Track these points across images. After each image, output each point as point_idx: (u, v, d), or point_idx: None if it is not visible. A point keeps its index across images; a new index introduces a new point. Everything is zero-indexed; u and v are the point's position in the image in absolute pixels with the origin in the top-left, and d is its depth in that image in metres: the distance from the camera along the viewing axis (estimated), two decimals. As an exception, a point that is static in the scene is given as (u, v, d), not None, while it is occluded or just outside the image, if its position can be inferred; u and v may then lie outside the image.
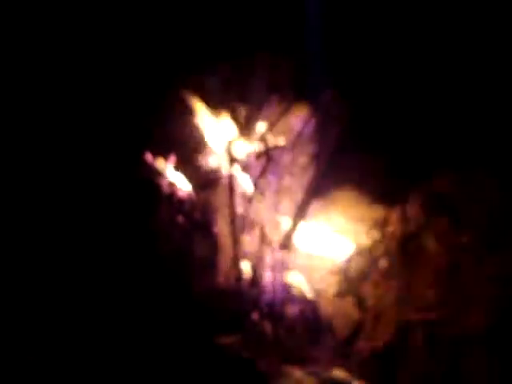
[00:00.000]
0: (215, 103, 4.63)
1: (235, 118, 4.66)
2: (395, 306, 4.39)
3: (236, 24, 4.80)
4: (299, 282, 4.59)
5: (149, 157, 4.64)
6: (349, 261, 4.54)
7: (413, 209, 4.42)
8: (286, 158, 4.75)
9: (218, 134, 4.63)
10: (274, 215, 4.72)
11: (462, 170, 4.38)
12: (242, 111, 4.66)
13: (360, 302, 4.48)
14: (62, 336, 4.29)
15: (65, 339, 4.27)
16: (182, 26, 4.83)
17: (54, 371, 4.12)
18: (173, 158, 4.63)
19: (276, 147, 4.70)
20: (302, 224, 4.68)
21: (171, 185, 4.64)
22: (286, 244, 4.68)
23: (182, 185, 4.65)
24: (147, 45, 4.80)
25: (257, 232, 4.70)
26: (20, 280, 4.43)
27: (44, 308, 4.39)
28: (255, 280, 4.61)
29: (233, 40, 4.77)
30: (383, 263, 4.50)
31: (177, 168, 4.64)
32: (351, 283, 4.52)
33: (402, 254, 4.43)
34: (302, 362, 4.33)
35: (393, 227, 4.48)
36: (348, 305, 4.49)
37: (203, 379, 4.14)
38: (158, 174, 4.62)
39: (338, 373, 4.28)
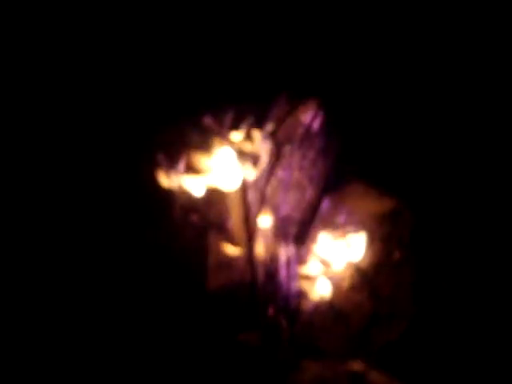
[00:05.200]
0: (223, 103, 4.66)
1: (244, 117, 4.69)
2: (410, 296, 4.45)
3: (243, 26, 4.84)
4: (313, 275, 4.65)
5: (161, 158, 4.67)
6: (362, 253, 4.59)
7: (423, 200, 4.47)
8: (296, 154, 4.79)
9: (229, 133, 4.66)
10: (286, 210, 4.78)
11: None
12: (250, 110, 4.69)
13: (374, 294, 4.53)
14: (72, 338, 4.35)
15: (72, 342, 4.34)
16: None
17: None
18: (185, 158, 4.67)
19: (285, 143, 4.75)
20: (313, 218, 4.74)
21: (184, 184, 4.69)
22: (299, 239, 4.74)
23: (195, 184, 4.70)
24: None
25: (270, 227, 4.75)
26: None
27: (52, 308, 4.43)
28: (270, 275, 4.67)
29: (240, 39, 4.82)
30: (396, 255, 4.55)
31: (189, 168, 4.68)
32: (365, 276, 4.57)
33: (414, 245, 4.49)
34: (318, 355, 4.41)
35: (404, 219, 4.53)
36: (363, 297, 4.54)
37: (223, 376, 4.22)
38: (171, 174, 4.67)
39: (355, 364, 4.35)
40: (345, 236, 4.64)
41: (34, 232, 4.56)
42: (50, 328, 4.34)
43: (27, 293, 4.42)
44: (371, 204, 4.63)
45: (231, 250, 4.70)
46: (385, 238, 4.54)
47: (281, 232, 4.76)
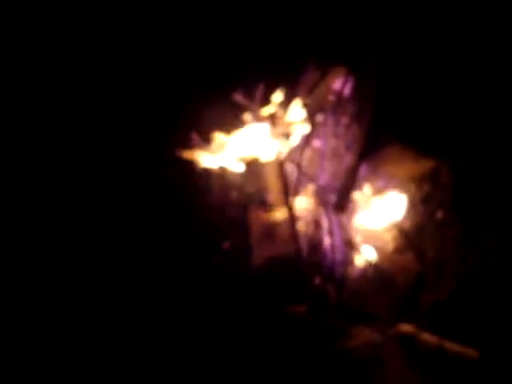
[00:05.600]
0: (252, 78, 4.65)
1: (274, 90, 4.67)
2: (455, 256, 4.41)
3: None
4: (357, 242, 4.65)
5: (195, 137, 4.69)
6: (404, 216, 4.56)
7: (463, 159, 4.40)
8: (329, 121, 4.76)
9: (260, 107, 4.66)
10: (324, 179, 4.76)
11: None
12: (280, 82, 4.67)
13: (419, 256, 4.51)
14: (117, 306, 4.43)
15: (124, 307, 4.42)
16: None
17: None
18: (218, 136, 4.69)
19: (317, 111, 4.72)
20: (353, 185, 4.72)
21: (220, 162, 4.71)
22: (340, 206, 4.73)
23: (231, 161, 4.72)
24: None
25: (311, 197, 4.75)
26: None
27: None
28: (314, 245, 4.68)
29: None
30: (439, 215, 4.50)
31: (223, 145, 4.70)
32: (409, 238, 4.54)
33: (456, 204, 4.44)
34: (367, 320, 4.42)
35: (444, 179, 4.48)
36: (408, 260, 4.53)
37: (275, 348, 4.27)
38: (206, 153, 4.70)
39: (405, 327, 4.34)
40: (385, 200, 4.63)
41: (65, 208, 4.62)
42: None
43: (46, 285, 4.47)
44: (409, 166, 4.59)
45: (273, 224, 4.72)
46: (426, 198, 4.51)
47: (321, 201, 4.75)
